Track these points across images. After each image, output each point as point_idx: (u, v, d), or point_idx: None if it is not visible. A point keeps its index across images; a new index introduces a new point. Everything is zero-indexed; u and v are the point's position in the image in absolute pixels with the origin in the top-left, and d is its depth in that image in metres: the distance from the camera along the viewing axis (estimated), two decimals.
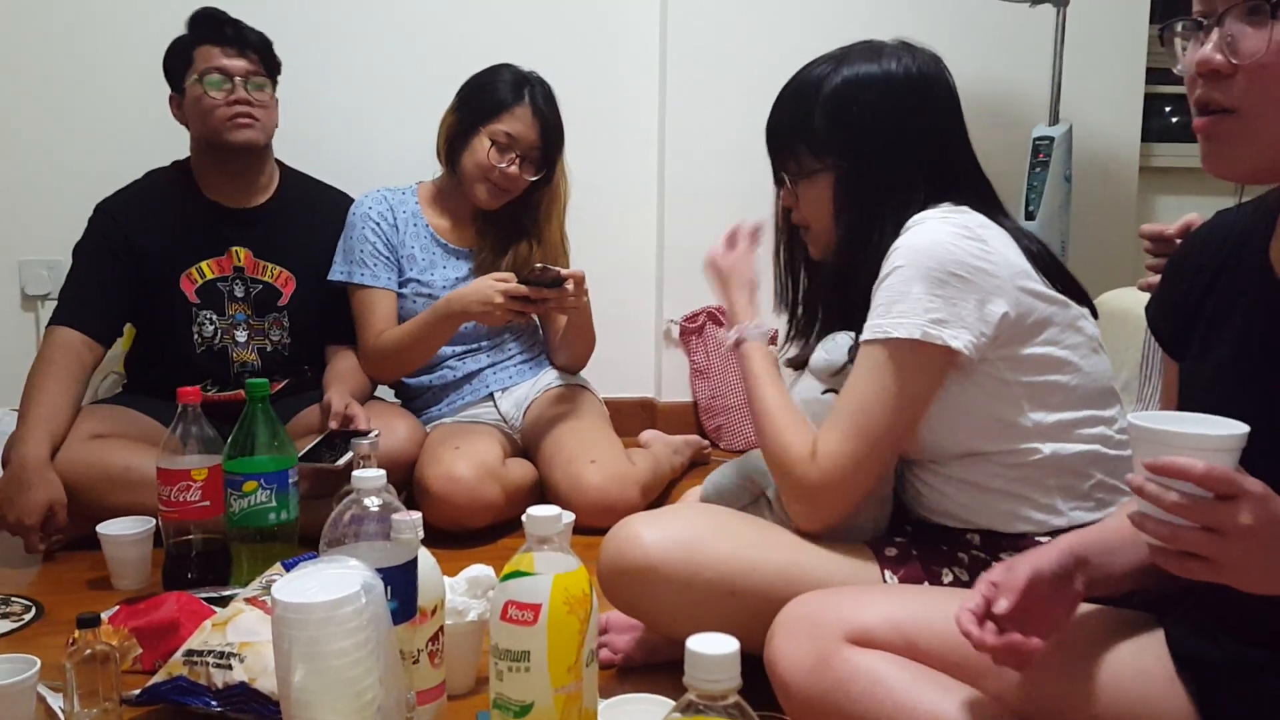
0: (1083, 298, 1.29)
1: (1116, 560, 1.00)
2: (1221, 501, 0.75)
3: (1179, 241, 1.51)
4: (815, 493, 1.25)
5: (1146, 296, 1.92)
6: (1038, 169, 2.54)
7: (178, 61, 2.06)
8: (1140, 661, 1.01)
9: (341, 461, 1.83)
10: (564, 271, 2.05)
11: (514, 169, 2.16)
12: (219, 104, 2.01)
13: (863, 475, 1.24)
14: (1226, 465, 0.76)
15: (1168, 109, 3.24)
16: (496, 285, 2.02)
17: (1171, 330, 1.03)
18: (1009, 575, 0.94)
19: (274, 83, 2.10)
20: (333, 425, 1.96)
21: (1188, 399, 0.99)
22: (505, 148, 2.16)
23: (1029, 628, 0.91)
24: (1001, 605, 0.91)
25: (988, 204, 1.30)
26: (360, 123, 2.65)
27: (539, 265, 2.06)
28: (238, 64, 2.03)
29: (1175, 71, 0.87)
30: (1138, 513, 0.80)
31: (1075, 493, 1.24)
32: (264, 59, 2.07)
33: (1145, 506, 0.78)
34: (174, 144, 2.15)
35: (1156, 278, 1.54)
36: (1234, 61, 0.81)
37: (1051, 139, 2.53)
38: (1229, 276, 0.96)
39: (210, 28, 2.04)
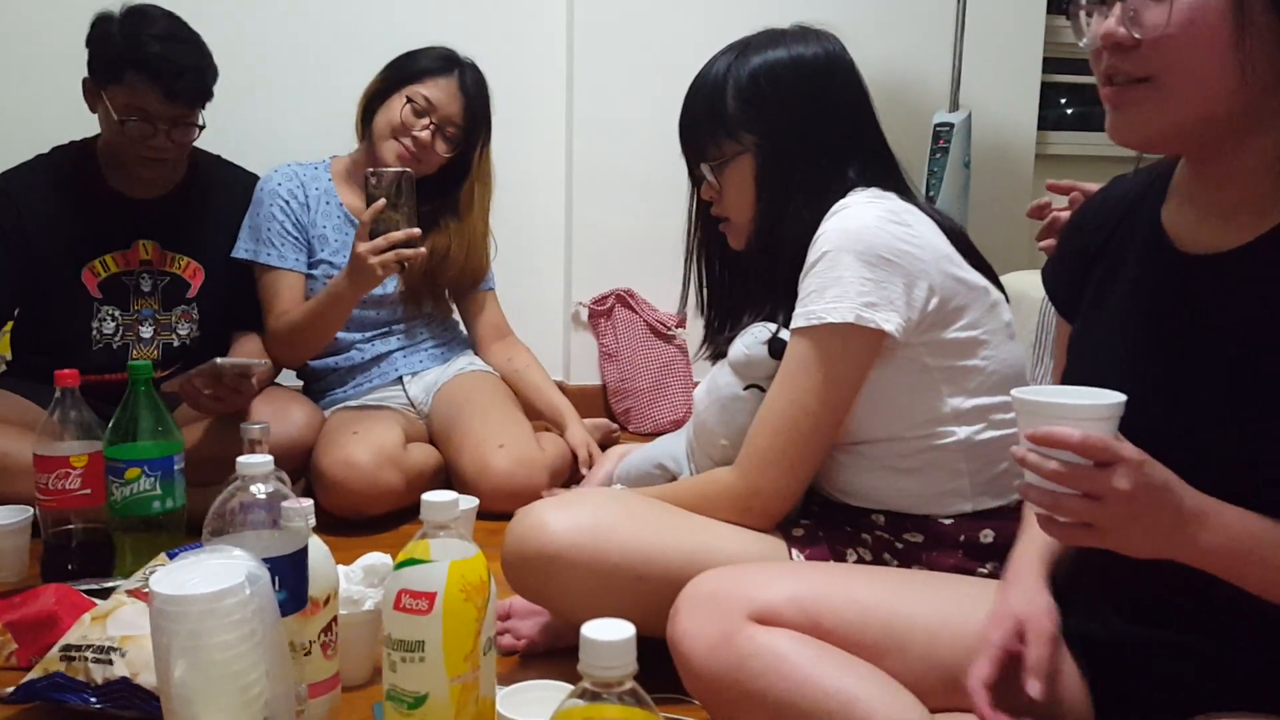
0: (997, 283, 1.32)
1: (1066, 562, 1.03)
2: (1099, 468, 0.77)
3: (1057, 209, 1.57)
4: (758, 500, 1.26)
5: (1041, 279, 1.97)
6: (938, 155, 2.59)
7: (103, 63, 1.87)
8: None
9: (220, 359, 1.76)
10: (400, 172, 1.90)
11: (426, 134, 2.10)
12: (135, 142, 1.89)
13: (800, 470, 1.25)
14: (1104, 433, 0.77)
15: (1063, 100, 3.34)
16: (359, 246, 1.89)
17: (1065, 291, 1.06)
18: (1036, 649, 0.91)
19: (203, 109, 1.95)
20: (219, 360, 1.81)
21: (1078, 358, 1.02)
22: (422, 111, 2.10)
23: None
24: (1035, 690, 0.89)
25: (901, 185, 1.32)
26: (264, 98, 2.55)
27: (371, 170, 1.91)
28: (168, 111, 1.87)
29: (1080, 45, 0.89)
30: (1024, 483, 0.81)
31: (984, 477, 1.26)
32: (200, 102, 1.91)
33: (1030, 476, 0.80)
34: (87, 119, 1.97)
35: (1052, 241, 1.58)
36: (1136, 35, 0.82)
37: (951, 125, 2.58)
38: (1121, 238, 0.99)
39: (148, 62, 1.83)
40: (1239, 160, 0.86)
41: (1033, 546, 1.03)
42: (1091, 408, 0.79)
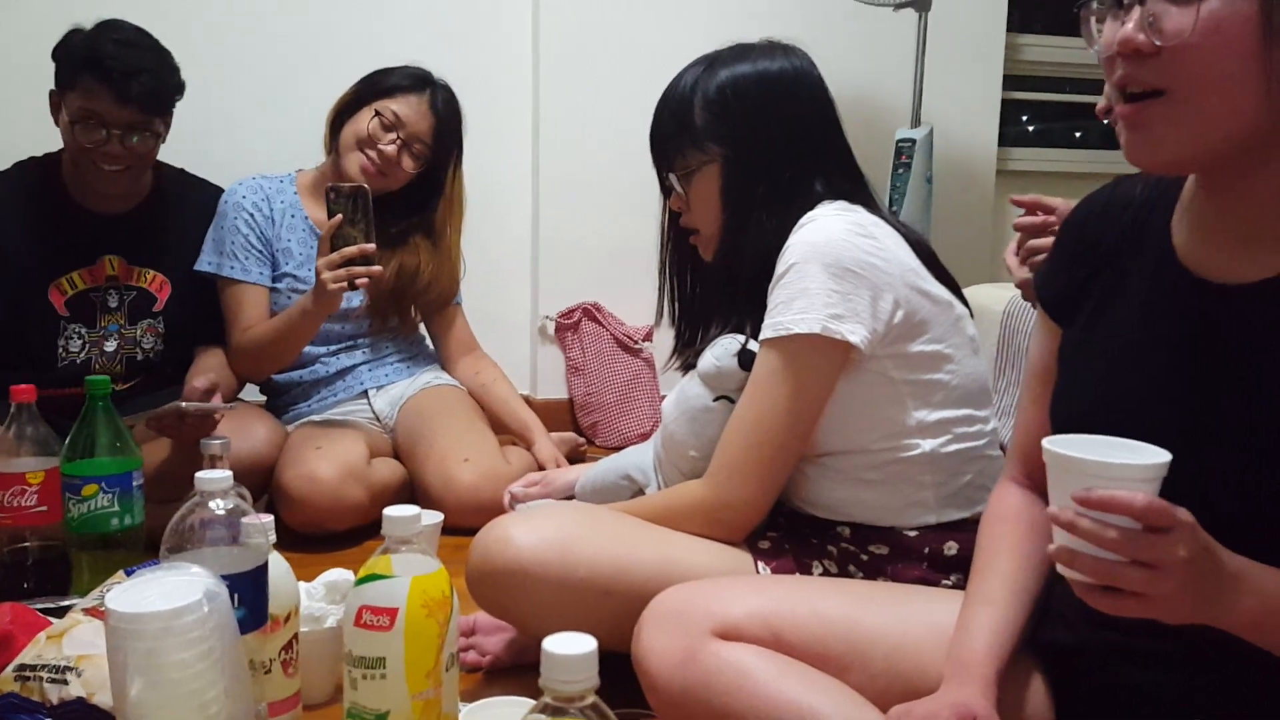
0: (961, 297, 1.32)
1: (1018, 644, 0.98)
2: (1157, 534, 0.72)
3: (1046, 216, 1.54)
4: (728, 511, 1.26)
5: (1002, 293, 1.99)
6: (900, 170, 2.61)
7: (63, 69, 1.87)
8: None
9: (188, 404, 1.74)
10: (355, 187, 1.89)
11: (392, 149, 2.09)
12: (90, 150, 1.87)
13: (770, 481, 1.26)
14: (1153, 494, 0.73)
15: (1024, 117, 3.39)
16: (318, 262, 1.90)
17: (1060, 298, 1.02)
18: None
19: (163, 121, 1.94)
20: (183, 404, 1.80)
21: (1074, 373, 0.99)
22: (390, 126, 2.10)
23: None
24: None
25: (868, 199, 1.33)
26: (228, 113, 2.53)
27: (330, 185, 1.91)
28: (120, 115, 1.85)
29: (1092, 52, 0.84)
30: (1064, 549, 0.76)
31: (948, 490, 1.27)
32: (154, 108, 1.89)
33: (1075, 543, 0.75)
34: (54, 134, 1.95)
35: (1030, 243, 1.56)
36: (1157, 42, 0.78)
37: (913, 141, 2.60)
38: (1128, 249, 0.95)
39: (101, 64, 1.82)
40: (1260, 184, 0.83)
41: (989, 626, 0.97)
42: (1145, 467, 0.74)
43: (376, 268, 1.89)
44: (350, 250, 1.86)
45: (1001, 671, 0.94)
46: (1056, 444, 0.77)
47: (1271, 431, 0.81)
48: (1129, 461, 0.75)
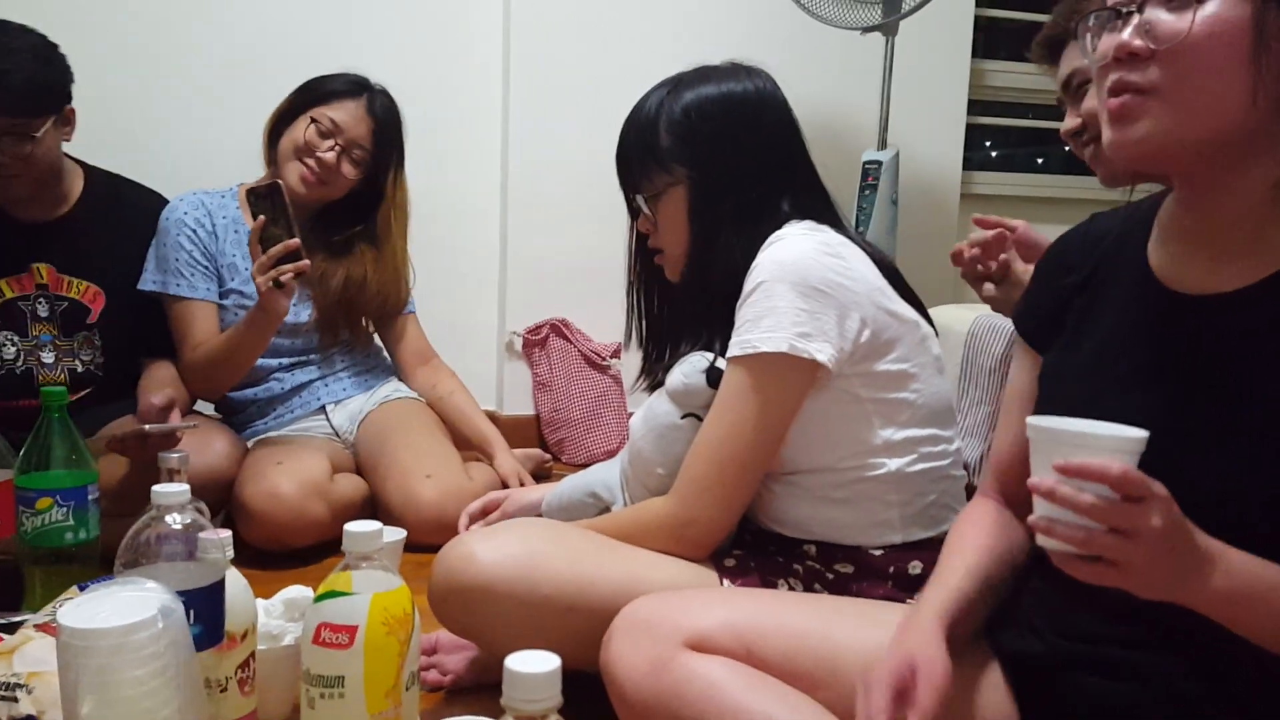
0: (926, 316, 1.34)
1: (972, 620, 1.00)
2: (1132, 503, 0.75)
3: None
4: (693, 528, 1.26)
5: (966, 314, 2.01)
6: (867, 191, 2.64)
7: None
8: (962, 663, 1.04)
9: (151, 427, 1.71)
10: (270, 184, 1.86)
11: (331, 155, 2.07)
12: None
13: (735, 498, 1.26)
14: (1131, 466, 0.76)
15: (987, 142, 3.44)
16: (253, 270, 1.87)
17: (1038, 324, 1.05)
18: (925, 698, 0.87)
19: (47, 121, 1.85)
20: (146, 427, 1.77)
21: (1054, 390, 1.01)
22: (327, 133, 2.07)
23: None
24: None
25: (834, 219, 1.34)
26: (180, 123, 2.51)
27: (248, 189, 1.87)
28: None
29: (1087, 62, 0.88)
30: (1043, 518, 0.78)
31: (912, 509, 1.28)
32: (17, 110, 1.79)
33: (1054, 511, 0.78)
34: None
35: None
36: (1152, 47, 0.82)
37: (880, 163, 2.63)
38: (1104, 273, 0.99)
39: None
40: (1233, 195, 0.86)
41: (940, 593, 0.99)
42: (1122, 440, 0.77)
43: (304, 262, 1.85)
44: (277, 250, 1.83)
45: (950, 628, 0.95)
46: (1040, 420, 0.80)
47: (1250, 437, 0.84)
48: (1108, 434, 0.78)
